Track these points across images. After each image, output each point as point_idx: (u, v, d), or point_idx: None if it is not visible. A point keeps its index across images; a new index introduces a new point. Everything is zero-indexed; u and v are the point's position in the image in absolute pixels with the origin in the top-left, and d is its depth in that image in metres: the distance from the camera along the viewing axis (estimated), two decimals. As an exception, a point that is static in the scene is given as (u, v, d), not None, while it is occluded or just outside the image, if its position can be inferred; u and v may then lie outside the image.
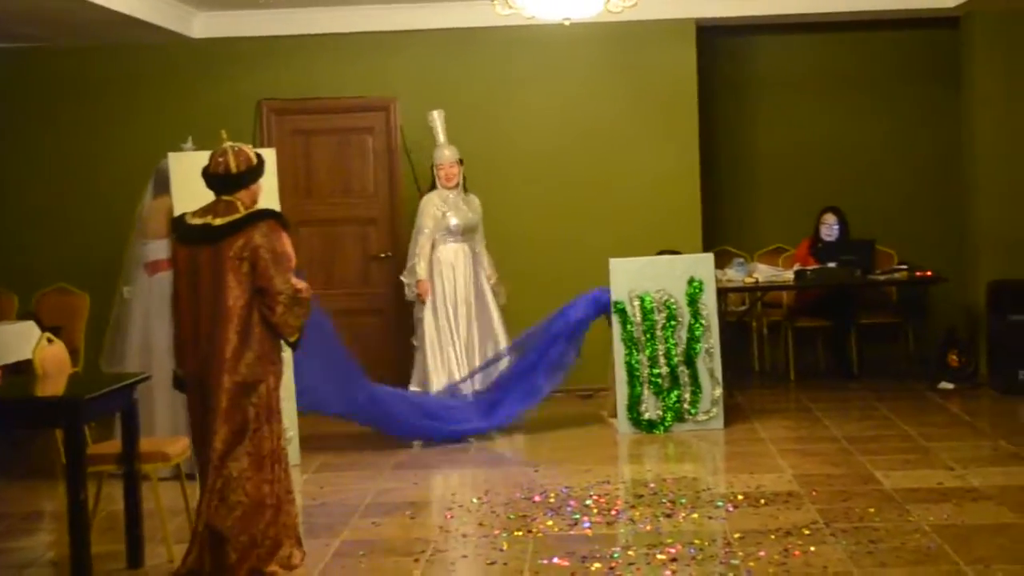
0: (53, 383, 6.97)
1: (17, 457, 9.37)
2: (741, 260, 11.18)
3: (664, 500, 7.42)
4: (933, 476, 7.75)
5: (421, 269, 10.05)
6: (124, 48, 11.19)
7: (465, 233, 10.10)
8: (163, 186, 8.63)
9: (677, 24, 11.21)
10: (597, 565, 6.20)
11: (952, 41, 11.73)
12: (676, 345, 9.45)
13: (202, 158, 6.30)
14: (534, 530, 6.89)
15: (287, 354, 6.78)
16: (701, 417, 9.45)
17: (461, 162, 10.17)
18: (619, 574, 6.09)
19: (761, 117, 12.24)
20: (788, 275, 10.78)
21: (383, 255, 11.24)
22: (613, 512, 7.22)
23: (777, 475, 7.94)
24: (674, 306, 9.45)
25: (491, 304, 10.13)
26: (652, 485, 7.84)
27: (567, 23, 8.70)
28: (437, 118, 10.21)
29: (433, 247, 10.05)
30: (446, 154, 10.14)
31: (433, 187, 10.17)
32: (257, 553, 5.95)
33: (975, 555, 6.14)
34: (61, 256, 11.11)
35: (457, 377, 9.84)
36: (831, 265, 10.79)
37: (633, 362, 9.44)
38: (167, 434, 8.05)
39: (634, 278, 9.50)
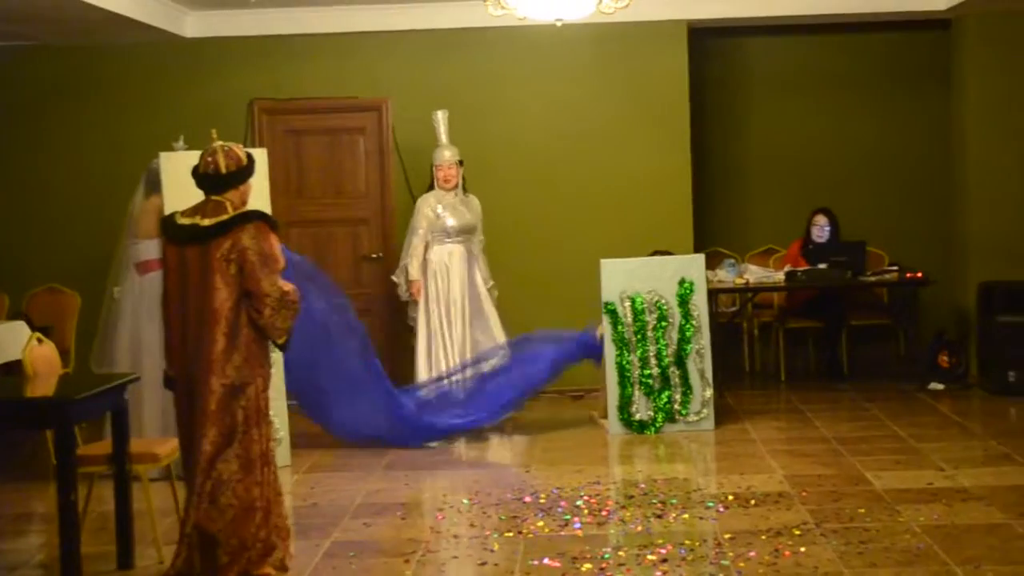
0: (43, 383, 6.96)
1: (7, 458, 9.34)
2: (732, 261, 11.18)
3: (655, 501, 7.42)
4: (923, 477, 7.77)
5: (413, 269, 10.05)
6: (116, 47, 11.18)
7: (461, 234, 10.10)
8: (154, 186, 8.62)
9: (669, 25, 11.21)
10: (587, 566, 6.21)
11: (943, 43, 11.75)
12: (667, 346, 9.46)
13: (193, 158, 6.29)
14: (525, 531, 6.89)
15: (276, 355, 6.77)
16: (692, 418, 9.45)
17: (461, 163, 10.18)
18: (609, 575, 6.09)
19: (752, 118, 12.26)
20: (779, 276, 10.79)
21: (374, 256, 11.23)
22: (604, 513, 7.23)
23: (767, 476, 7.95)
24: (665, 307, 9.45)
25: (488, 306, 10.11)
26: (643, 486, 7.84)
27: (559, 24, 8.70)
28: (441, 118, 10.23)
29: (428, 247, 10.05)
30: (446, 155, 10.14)
31: (432, 187, 10.18)
32: (248, 556, 5.94)
33: (965, 555, 6.16)
34: (51, 256, 11.10)
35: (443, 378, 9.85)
36: (822, 266, 10.80)
37: (624, 363, 9.45)
38: (156, 435, 8.05)
39: (625, 279, 9.51)
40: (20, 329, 9.11)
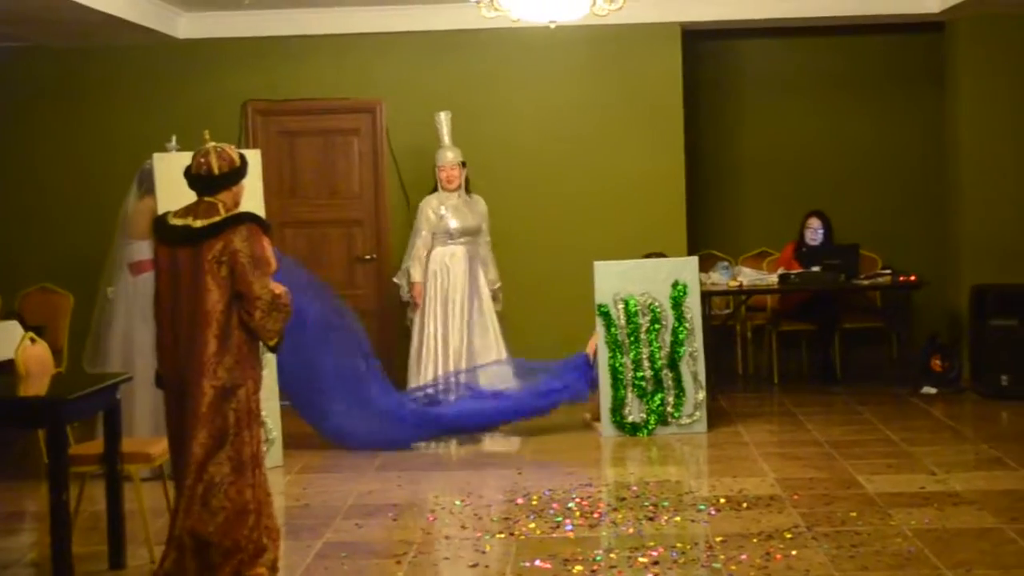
0: (36, 383, 6.95)
1: (-1, 457, 9.36)
2: (726, 264, 11.18)
3: (647, 503, 7.43)
4: (915, 480, 7.77)
5: (415, 272, 10.07)
6: (109, 48, 11.17)
7: (464, 236, 10.11)
8: (148, 187, 8.62)
9: (662, 28, 11.22)
10: (579, 568, 6.21)
11: (936, 46, 11.77)
12: (660, 348, 9.46)
13: (186, 159, 6.28)
14: (516, 532, 6.89)
15: (268, 356, 6.77)
16: (684, 420, 9.46)
17: (464, 164, 10.20)
18: (601, 577, 6.10)
19: (746, 121, 12.27)
20: (772, 279, 10.80)
21: (368, 257, 11.24)
22: (596, 515, 7.23)
23: (759, 479, 7.95)
24: (658, 309, 9.45)
25: (488, 310, 10.11)
26: (635, 488, 7.84)
27: (552, 26, 8.71)
28: (443, 120, 10.26)
29: (431, 249, 10.07)
30: (448, 156, 10.17)
31: (436, 189, 10.20)
32: (241, 557, 5.93)
33: (956, 559, 6.16)
34: (45, 256, 11.10)
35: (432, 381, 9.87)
36: (815, 269, 10.80)
37: (617, 365, 9.45)
38: (148, 434, 8.04)
39: (618, 281, 9.51)
40: (13, 329, 9.09)
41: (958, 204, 11.45)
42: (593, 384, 9.60)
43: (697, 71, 11.92)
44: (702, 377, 9.48)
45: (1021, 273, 11.06)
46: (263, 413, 6.67)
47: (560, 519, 7.12)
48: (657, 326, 9.45)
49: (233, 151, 6.10)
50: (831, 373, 11.46)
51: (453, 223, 10.10)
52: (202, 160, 6.00)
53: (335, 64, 11.32)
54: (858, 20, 11.46)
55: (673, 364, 9.45)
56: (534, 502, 7.54)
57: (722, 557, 6.32)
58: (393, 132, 11.18)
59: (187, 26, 11.16)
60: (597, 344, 9.51)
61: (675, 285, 9.48)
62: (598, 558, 6.36)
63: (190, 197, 6.07)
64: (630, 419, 9.45)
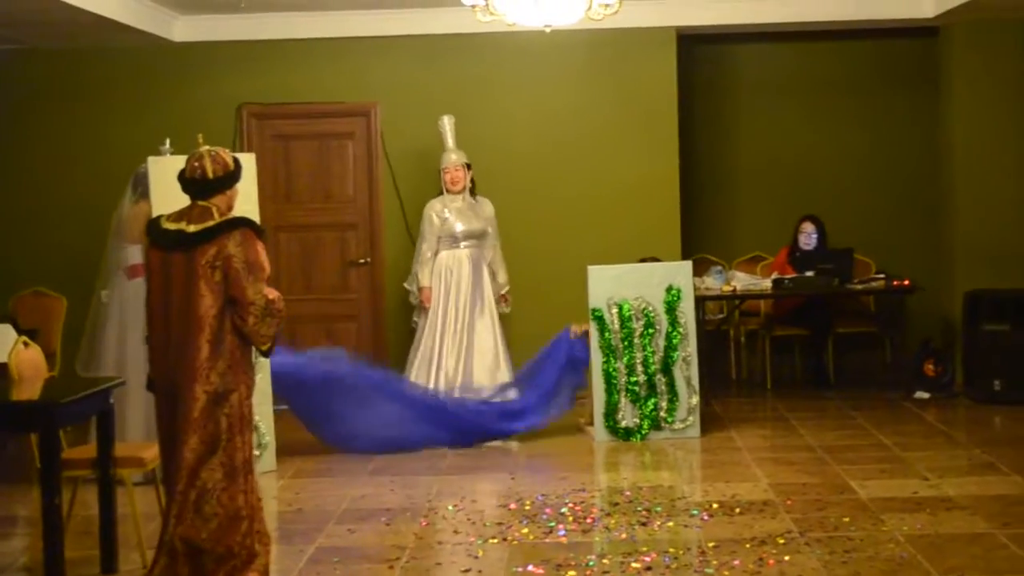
0: (29, 387, 6.93)
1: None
2: (719, 268, 11.18)
3: (639, 508, 7.43)
4: (908, 486, 7.78)
5: (423, 276, 10.08)
6: (104, 51, 11.16)
7: (469, 239, 10.11)
8: (143, 191, 8.62)
9: (658, 32, 11.22)
10: (572, 573, 6.21)
11: (931, 51, 11.78)
12: (654, 353, 9.46)
13: (180, 162, 6.26)
14: (509, 538, 6.89)
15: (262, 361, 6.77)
16: (678, 425, 9.46)
17: (469, 167, 10.21)
18: (593, 582, 6.11)
19: (741, 125, 12.28)
20: (766, 284, 10.81)
21: (362, 261, 11.24)
22: (588, 520, 7.23)
23: (753, 484, 7.95)
24: (652, 314, 9.46)
25: (492, 315, 10.10)
26: (628, 493, 7.85)
27: (548, 30, 8.71)
28: (447, 123, 10.29)
29: (436, 252, 10.09)
30: (452, 158, 10.18)
31: (441, 193, 10.22)
32: (234, 564, 5.91)
33: (949, 565, 6.17)
34: (38, 259, 11.07)
35: (431, 384, 9.87)
36: (809, 274, 10.81)
37: (610, 370, 9.45)
38: (141, 439, 8.04)
39: (612, 285, 9.51)
40: (6, 332, 9.08)
41: (952, 209, 11.46)
42: (582, 366, 9.60)
43: (692, 75, 11.93)
44: (695, 382, 9.49)
45: (1015, 278, 11.08)
46: (256, 418, 6.69)
47: (553, 524, 7.12)
48: (651, 330, 9.46)
49: (227, 155, 6.08)
50: (824, 378, 11.47)
51: (458, 226, 10.11)
52: (196, 164, 5.99)
53: (330, 68, 11.31)
54: (853, 25, 11.47)
55: (667, 369, 9.45)
56: (527, 507, 7.54)
57: (715, 562, 6.32)
58: (388, 136, 11.18)
59: (183, 29, 11.16)
60: (588, 330, 9.51)
61: (669, 289, 9.49)
62: (591, 563, 6.36)
63: (184, 200, 6.06)
64: (623, 424, 9.45)
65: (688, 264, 9.84)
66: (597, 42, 11.11)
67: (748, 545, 6.59)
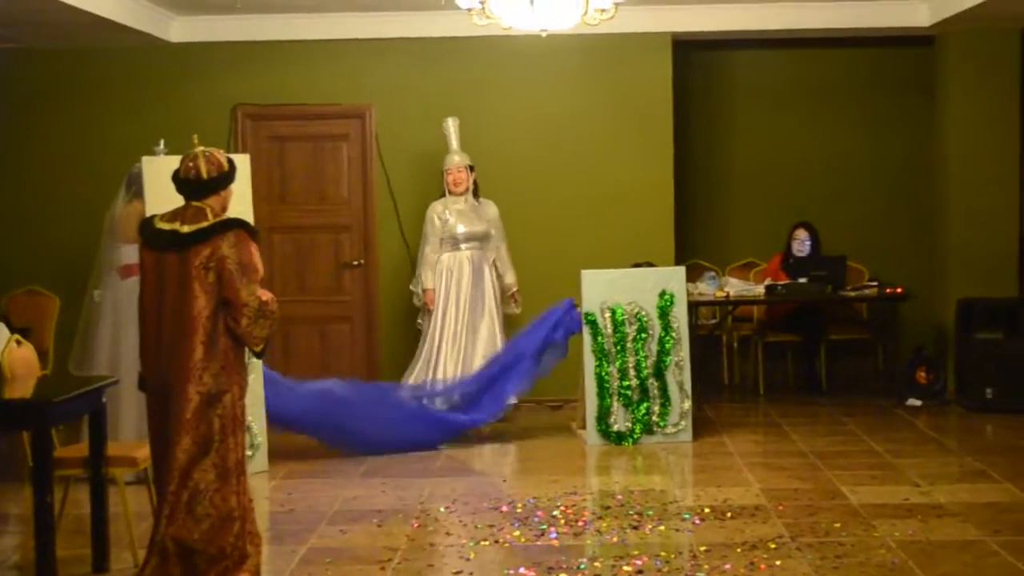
0: (21, 385, 6.93)
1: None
2: (712, 274, 11.20)
3: (631, 512, 7.43)
4: (899, 492, 7.79)
5: (426, 278, 10.11)
6: (100, 51, 11.15)
7: (470, 241, 10.13)
8: (137, 190, 8.61)
9: (654, 37, 11.23)
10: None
11: (926, 59, 11.79)
12: (646, 357, 9.47)
13: (175, 162, 6.27)
14: (501, 540, 6.90)
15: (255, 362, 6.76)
16: (670, 430, 9.47)
17: (472, 169, 10.23)
18: (585, 585, 6.11)
19: (735, 132, 12.28)
20: (759, 290, 10.81)
21: (356, 263, 11.23)
22: (580, 523, 7.23)
23: (744, 489, 7.96)
24: (645, 318, 9.47)
25: (493, 317, 10.11)
26: (620, 497, 7.85)
27: (544, 34, 8.72)
28: (452, 126, 10.33)
29: (439, 254, 10.11)
30: (455, 160, 10.22)
31: (444, 194, 10.25)
32: (225, 564, 5.91)
33: (939, 571, 6.19)
34: (31, 258, 11.06)
35: (432, 384, 9.88)
36: (802, 280, 10.82)
37: (603, 374, 9.46)
38: (133, 438, 8.04)
39: (606, 290, 9.52)
40: (-1, 331, 9.08)
41: (945, 217, 11.48)
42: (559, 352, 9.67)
43: (687, 81, 11.94)
44: (688, 387, 9.50)
45: (1007, 286, 11.12)
46: (248, 418, 6.68)
47: (545, 527, 7.13)
48: (644, 335, 9.47)
49: (222, 155, 6.08)
50: (816, 384, 11.48)
51: (459, 228, 10.13)
52: (190, 164, 5.99)
53: (326, 69, 11.31)
54: (849, 32, 11.49)
55: (659, 373, 9.46)
56: (519, 510, 7.54)
57: (706, 566, 6.32)
58: (383, 138, 11.18)
59: (179, 30, 11.15)
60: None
61: (662, 295, 9.50)
62: (582, 566, 6.37)
63: (178, 200, 6.06)
64: (615, 428, 9.45)
65: (681, 269, 9.86)
66: (593, 47, 11.11)
67: (739, 550, 6.60)
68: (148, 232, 6.00)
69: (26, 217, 11.22)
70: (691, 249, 11.91)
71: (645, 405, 9.44)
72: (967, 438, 9.66)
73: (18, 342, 7.45)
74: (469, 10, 8.42)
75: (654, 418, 9.45)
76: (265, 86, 11.25)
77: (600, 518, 7.34)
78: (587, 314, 9.48)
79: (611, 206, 11.27)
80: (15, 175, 11.25)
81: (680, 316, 9.52)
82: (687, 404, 9.49)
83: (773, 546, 6.65)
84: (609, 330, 9.45)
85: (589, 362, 9.49)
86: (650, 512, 7.42)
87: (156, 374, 5.93)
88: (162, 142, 8.81)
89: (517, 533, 7.02)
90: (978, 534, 6.85)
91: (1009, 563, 6.33)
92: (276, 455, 8.90)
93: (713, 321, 11.72)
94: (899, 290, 10.73)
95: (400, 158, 11.17)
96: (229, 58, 11.26)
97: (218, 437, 5.87)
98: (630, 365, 9.46)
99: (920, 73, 11.92)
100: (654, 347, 9.48)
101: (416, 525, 7.28)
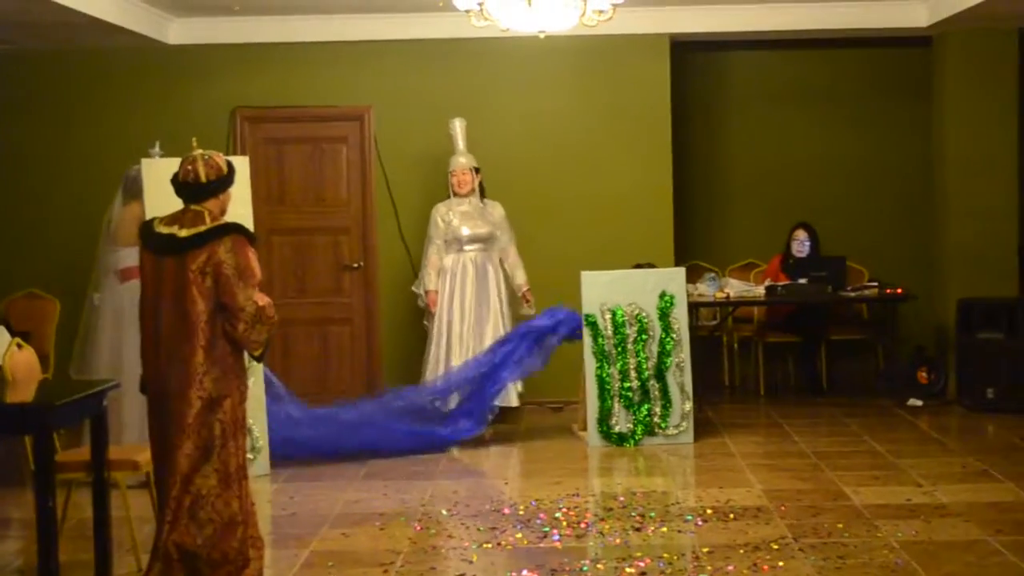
0: (22, 389, 6.92)
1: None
2: (713, 275, 11.19)
3: (633, 514, 7.43)
4: (902, 492, 7.79)
5: (429, 280, 10.10)
6: (99, 53, 11.14)
7: (475, 243, 10.13)
8: (133, 192, 8.61)
9: (652, 39, 11.23)
10: (566, 578, 6.22)
11: (925, 60, 11.79)
12: (647, 359, 9.47)
13: (172, 164, 6.26)
14: (503, 542, 6.89)
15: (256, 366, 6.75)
16: (671, 431, 9.46)
17: (478, 170, 10.24)
18: (588, 587, 6.10)
19: (734, 133, 12.28)
20: (759, 290, 10.81)
21: (355, 265, 11.23)
22: (582, 525, 7.23)
23: (746, 490, 7.96)
24: (645, 320, 9.46)
25: (498, 319, 10.11)
26: (622, 498, 7.85)
27: (542, 36, 8.71)
28: (458, 127, 10.36)
29: (443, 256, 10.11)
30: (460, 161, 10.23)
31: (449, 195, 10.26)
32: (228, 569, 5.90)
33: (943, 571, 6.18)
34: (31, 261, 11.04)
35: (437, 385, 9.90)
36: (802, 281, 10.82)
37: (604, 375, 9.45)
38: (136, 442, 8.02)
39: (606, 291, 9.52)
40: (-1, 335, 9.07)
41: (945, 217, 11.47)
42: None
43: (686, 82, 11.93)
44: (689, 388, 9.50)
45: (1008, 286, 11.12)
46: (249, 421, 6.66)
47: (547, 529, 7.12)
48: (644, 337, 9.46)
49: (221, 158, 6.06)
50: (817, 385, 11.48)
51: (463, 230, 10.13)
52: (189, 167, 5.97)
53: (324, 71, 11.30)
54: (847, 33, 11.49)
55: (660, 375, 9.46)
56: (521, 512, 7.54)
57: (709, 568, 6.32)
58: (381, 140, 11.17)
59: (177, 31, 11.14)
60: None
61: (662, 296, 9.49)
62: (585, 568, 6.36)
63: (176, 203, 6.05)
64: (617, 429, 9.45)
65: (681, 271, 9.85)
66: (591, 48, 11.11)
67: (742, 551, 6.59)
68: (147, 236, 5.98)
69: (25, 221, 11.21)
70: (691, 250, 11.90)
71: (646, 406, 9.44)
72: (969, 438, 9.66)
73: (19, 346, 7.44)
74: (467, 12, 8.42)
75: (655, 419, 9.45)
76: (264, 88, 11.25)
77: (602, 520, 7.34)
78: (587, 316, 9.47)
79: (610, 207, 11.26)
80: (14, 179, 11.24)
81: (680, 317, 9.52)
82: (688, 405, 9.48)
83: (776, 547, 6.65)
84: (609, 332, 9.45)
85: (590, 364, 9.49)
86: (652, 513, 7.41)
87: (156, 378, 5.92)
88: (157, 144, 8.80)
89: (519, 535, 7.02)
90: (981, 534, 6.85)
91: (1012, 563, 6.33)
92: (278, 458, 8.88)
93: (713, 322, 11.71)
94: (899, 290, 10.73)
95: (399, 160, 11.16)
96: (228, 60, 11.26)
97: (219, 442, 5.86)
98: (631, 366, 9.45)
99: (918, 74, 11.92)
100: (655, 348, 9.47)
101: (418, 528, 7.28)
